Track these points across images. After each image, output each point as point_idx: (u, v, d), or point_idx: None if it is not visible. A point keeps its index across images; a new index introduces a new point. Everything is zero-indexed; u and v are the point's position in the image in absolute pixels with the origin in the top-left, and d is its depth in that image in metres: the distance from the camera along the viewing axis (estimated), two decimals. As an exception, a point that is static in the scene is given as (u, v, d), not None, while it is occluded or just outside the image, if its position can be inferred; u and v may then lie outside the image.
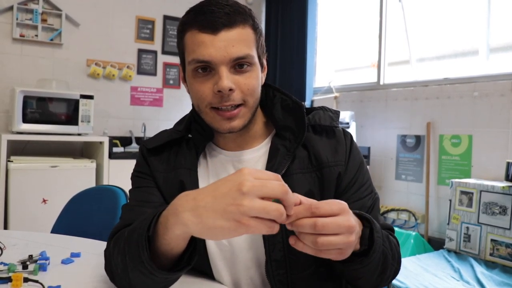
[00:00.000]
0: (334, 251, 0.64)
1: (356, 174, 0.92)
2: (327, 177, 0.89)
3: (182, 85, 4.11)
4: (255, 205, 0.57)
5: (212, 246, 0.90)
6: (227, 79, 0.80)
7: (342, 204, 0.65)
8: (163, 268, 0.71)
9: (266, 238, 0.86)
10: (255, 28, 0.85)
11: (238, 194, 0.58)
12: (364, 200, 0.90)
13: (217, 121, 0.85)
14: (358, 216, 0.75)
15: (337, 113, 0.96)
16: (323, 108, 0.97)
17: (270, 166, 0.88)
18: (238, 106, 0.83)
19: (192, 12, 0.84)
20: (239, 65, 0.82)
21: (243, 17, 0.83)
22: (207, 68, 0.82)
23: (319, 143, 0.91)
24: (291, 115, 0.92)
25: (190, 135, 0.96)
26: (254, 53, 0.84)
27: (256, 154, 0.93)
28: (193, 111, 0.94)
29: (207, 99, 0.83)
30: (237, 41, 0.81)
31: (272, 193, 0.58)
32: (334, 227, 0.62)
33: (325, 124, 0.92)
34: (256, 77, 0.85)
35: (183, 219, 0.64)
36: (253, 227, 0.58)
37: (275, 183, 0.59)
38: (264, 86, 0.93)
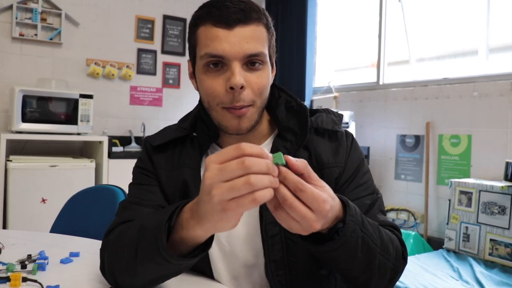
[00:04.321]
0: (294, 224, 0.62)
1: (353, 173, 0.91)
2: (327, 178, 0.88)
3: (182, 85, 4.13)
4: (222, 190, 0.57)
5: (213, 248, 0.89)
6: (239, 75, 0.79)
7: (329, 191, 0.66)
8: (178, 255, 0.71)
9: (265, 239, 0.86)
10: (268, 27, 0.85)
11: (207, 188, 0.59)
12: (362, 200, 0.88)
13: (227, 120, 0.84)
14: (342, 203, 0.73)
15: (340, 116, 0.96)
16: (326, 111, 0.97)
17: None
18: (247, 106, 0.83)
19: (207, 6, 0.83)
20: (251, 62, 0.81)
21: (258, 15, 0.83)
22: (219, 64, 0.81)
23: (320, 145, 0.91)
24: (295, 117, 0.91)
25: (195, 134, 0.95)
26: (266, 52, 0.84)
27: None
28: (200, 108, 0.93)
29: (218, 97, 0.82)
30: (251, 38, 0.80)
31: (232, 175, 0.57)
32: (310, 197, 0.61)
33: (327, 127, 0.92)
34: (267, 77, 0.85)
35: (194, 224, 0.65)
36: (236, 208, 0.57)
37: (233, 163, 0.57)
38: (270, 86, 0.92)
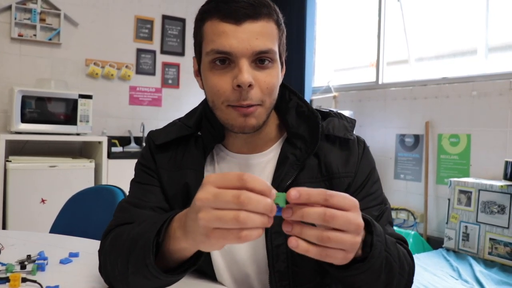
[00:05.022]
0: (340, 253, 0.58)
1: (363, 182, 0.88)
2: (336, 188, 0.85)
3: (181, 85, 4.13)
4: (209, 216, 0.54)
5: (215, 253, 0.89)
6: (247, 73, 0.75)
7: (355, 202, 0.58)
8: (168, 270, 0.70)
9: (270, 249, 0.84)
10: (279, 24, 0.81)
11: (195, 208, 0.56)
12: (369, 210, 0.85)
13: (232, 118, 0.80)
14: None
15: (352, 122, 0.92)
16: (338, 116, 0.92)
17: (277, 175, 0.84)
18: (253, 105, 0.79)
19: (214, 0, 0.79)
20: (260, 60, 0.77)
21: (268, 10, 0.79)
22: (226, 61, 0.77)
23: (331, 153, 0.87)
24: (305, 123, 0.88)
25: (199, 133, 0.92)
26: (276, 49, 0.80)
27: (265, 159, 0.89)
28: (206, 106, 0.89)
29: (224, 95, 0.78)
30: (260, 34, 0.76)
31: (224, 205, 0.53)
32: (344, 221, 0.56)
33: (339, 135, 0.88)
34: (276, 75, 0.81)
35: (179, 235, 0.64)
36: (219, 239, 0.55)
37: (228, 194, 0.53)
38: (281, 86, 0.87)
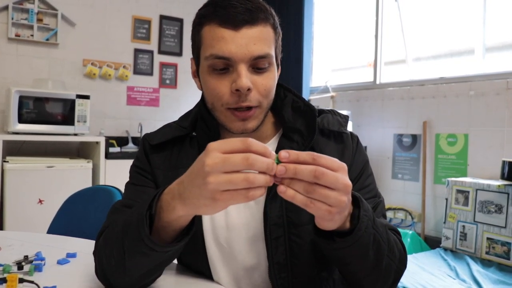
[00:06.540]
0: (323, 205, 0.60)
1: (358, 175, 0.90)
2: None
3: (179, 85, 4.13)
4: (219, 180, 0.57)
5: (211, 248, 0.89)
6: (246, 77, 0.78)
7: (343, 164, 0.62)
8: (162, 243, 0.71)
9: (269, 241, 0.85)
10: (275, 27, 0.84)
11: (203, 173, 0.59)
12: None
13: (231, 122, 0.83)
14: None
15: (346, 118, 0.95)
16: (332, 112, 0.95)
17: None
18: (252, 107, 0.82)
19: (212, 5, 0.81)
20: (257, 64, 0.80)
21: (265, 15, 0.81)
22: (224, 65, 0.79)
23: (326, 147, 0.90)
24: (301, 117, 0.90)
25: (194, 133, 0.94)
26: (273, 53, 0.82)
27: None
28: (202, 107, 0.91)
29: (223, 98, 0.81)
30: (258, 39, 0.79)
31: (234, 168, 0.57)
32: (332, 179, 0.59)
33: (333, 129, 0.91)
34: (273, 78, 0.84)
35: (175, 205, 0.66)
36: (228, 200, 0.59)
37: (237, 157, 0.57)
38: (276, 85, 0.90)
